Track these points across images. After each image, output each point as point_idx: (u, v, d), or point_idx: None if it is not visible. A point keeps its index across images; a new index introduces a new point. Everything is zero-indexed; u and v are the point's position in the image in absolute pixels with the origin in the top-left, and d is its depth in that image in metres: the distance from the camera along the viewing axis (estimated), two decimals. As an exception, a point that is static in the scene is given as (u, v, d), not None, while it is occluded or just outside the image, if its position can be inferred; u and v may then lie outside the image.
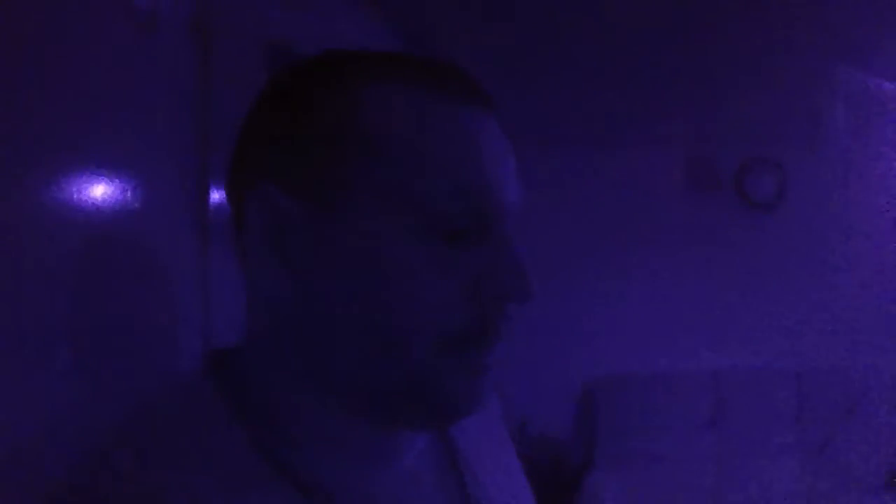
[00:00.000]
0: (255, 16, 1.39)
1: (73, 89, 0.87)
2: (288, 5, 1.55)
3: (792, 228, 3.50)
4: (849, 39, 2.52)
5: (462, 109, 0.50)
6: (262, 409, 0.53)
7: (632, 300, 3.48)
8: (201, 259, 1.10)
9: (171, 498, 0.47)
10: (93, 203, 0.89)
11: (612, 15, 2.26)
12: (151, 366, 0.99)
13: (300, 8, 1.59)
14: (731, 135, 3.46)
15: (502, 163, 0.51)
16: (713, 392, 3.43)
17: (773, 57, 2.62)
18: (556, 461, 3.19)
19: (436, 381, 0.50)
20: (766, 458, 3.28)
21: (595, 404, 3.46)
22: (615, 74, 2.77)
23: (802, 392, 3.42)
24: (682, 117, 3.25)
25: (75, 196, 0.87)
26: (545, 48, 2.53)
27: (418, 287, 0.49)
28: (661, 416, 3.38)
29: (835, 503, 3.10)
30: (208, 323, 1.09)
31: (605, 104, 3.02)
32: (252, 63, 1.33)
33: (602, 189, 3.54)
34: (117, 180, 0.94)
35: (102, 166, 0.92)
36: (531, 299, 0.50)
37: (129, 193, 0.96)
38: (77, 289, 0.87)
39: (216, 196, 1.13)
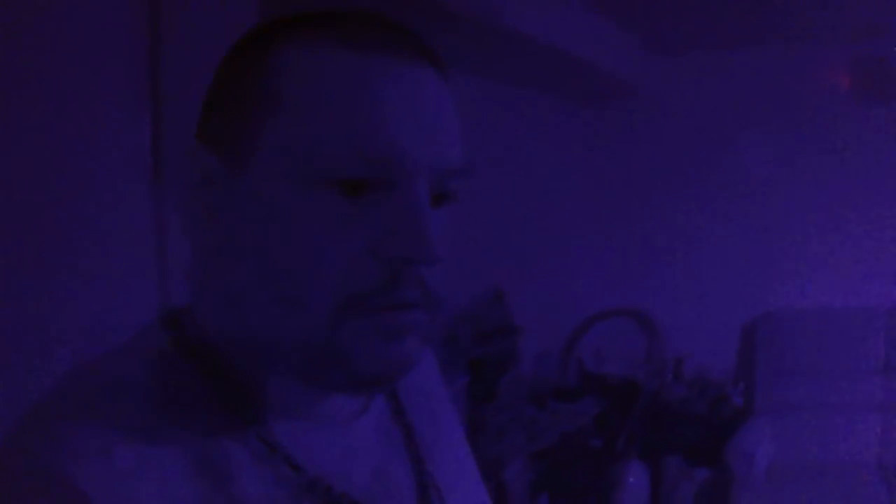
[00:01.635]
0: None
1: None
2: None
3: None
4: None
5: (372, 63, 0.50)
6: (208, 362, 0.54)
7: (795, 227, 3.20)
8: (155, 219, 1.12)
9: (129, 432, 0.48)
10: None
11: None
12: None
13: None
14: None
15: (414, 117, 0.50)
16: (888, 333, 3.07)
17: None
18: (712, 404, 3.07)
19: (344, 343, 0.50)
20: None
21: (757, 343, 3.24)
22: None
23: None
24: (848, 7, 2.77)
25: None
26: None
27: (315, 241, 0.49)
28: (828, 357, 3.09)
29: None
30: (164, 288, 1.11)
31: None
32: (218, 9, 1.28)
33: (752, 95, 3.18)
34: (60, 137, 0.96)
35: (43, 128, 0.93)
36: (426, 261, 0.49)
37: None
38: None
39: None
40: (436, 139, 0.51)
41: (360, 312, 0.50)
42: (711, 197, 3.32)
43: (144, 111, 1.13)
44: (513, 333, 2.40)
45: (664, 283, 3.33)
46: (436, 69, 0.54)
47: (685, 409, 3.26)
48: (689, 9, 2.70)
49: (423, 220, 0.49)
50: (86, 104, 1.02)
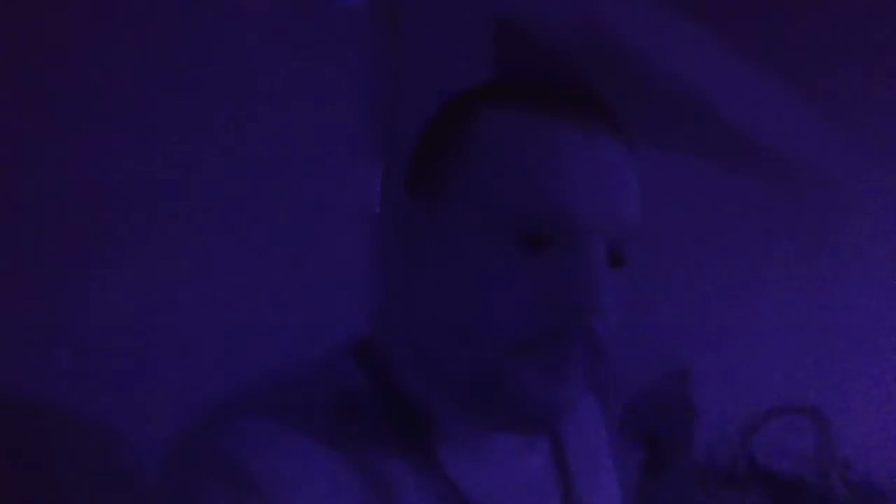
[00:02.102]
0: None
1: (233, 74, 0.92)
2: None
3: None
4: None
5: (561, 129, 0.53)
6: (388, 388, 0.56)
7: None
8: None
9: (309, 441, 0.50)
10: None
11: None
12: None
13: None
14: None
15: (592, 180, 0.52)
16: None
17: None
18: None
19: (510, 382, 0.51)
20: None
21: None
22: None
23: None
24: None
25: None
26: None
27: (494, 289, 0.51)
28: None
29: None
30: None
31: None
32: (457, 43, 1.31)
33: None
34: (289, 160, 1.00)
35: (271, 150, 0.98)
36: (595, 312, 0.50)
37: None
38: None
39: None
40: (614, 202, 0.53)
41: (527, 356, 0.51)
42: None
43: (376, 159, 1.20)
44: (692, 414, 2.39)
45: (843, 380, 3.19)
46: (619, 137, 0.57)
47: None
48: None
49: (596, 273, 0.51)
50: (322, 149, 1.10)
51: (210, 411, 0.52)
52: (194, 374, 0.52)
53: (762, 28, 2.06)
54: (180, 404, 0.68)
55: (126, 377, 0.87)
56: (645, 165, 2.14)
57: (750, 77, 2.32)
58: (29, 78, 0.81)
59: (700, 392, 2.58)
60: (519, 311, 0.51)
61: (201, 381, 0.87)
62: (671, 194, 2.56)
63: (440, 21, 1.28)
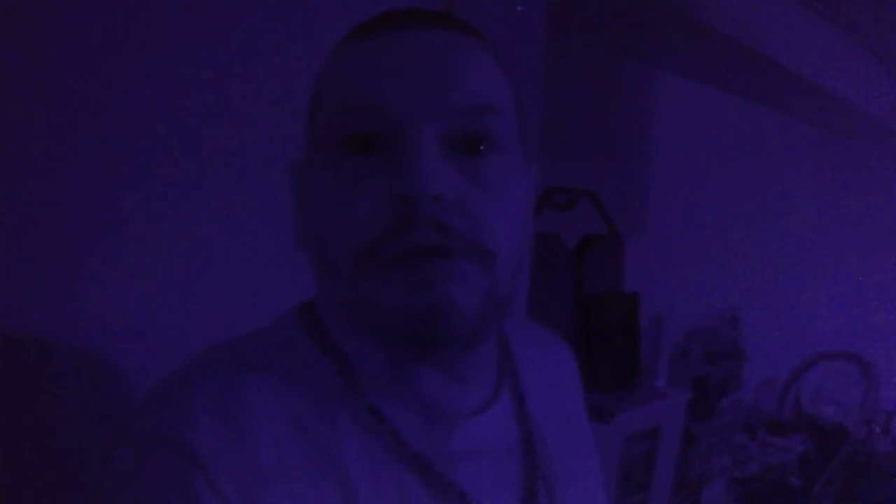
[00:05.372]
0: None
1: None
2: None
3: None
4: None
5: (368, 34, 0.52)
6: (326, 342, 0.56)
7: None
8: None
9: (261, 401, 0.50)
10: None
11: None
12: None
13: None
14: None
15: (403, 70, 0.50)
16: None
17: None
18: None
19: (369, 295, 0.49)
20: None
21: None
22: None
23: None
24: None
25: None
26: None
27: (335, 202, 0.51)
28: None
29: None
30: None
31: None
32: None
33: None
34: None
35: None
36: (426, 198, 0.47)
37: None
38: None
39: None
40: (436, 89, 0.50)
41: (380, 263, 0.49)
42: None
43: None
44: (741, 358, 2.41)
45: (892, 332, 3.18)
46: (439, 27, 0.53)
47: (888, 465, 3.10)
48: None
49: (420, 160, 0.48)
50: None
51: (154, 388, 0.51)
52: None
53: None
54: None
55: (126, 377, 0.87)
56: (697, 107, 2.14)
57: (807, 21, 2.28)
58: (29, 78, 0.80)
59: (749, 337, 2.59)
60: (358, 215, 0.49)
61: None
62: (725, 139, 2.54)
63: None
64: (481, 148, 0.51)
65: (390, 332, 0.50)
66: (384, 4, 0.60)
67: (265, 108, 1.00)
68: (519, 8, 1.31)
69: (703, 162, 2.40)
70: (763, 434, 2.59)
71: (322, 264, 0.54)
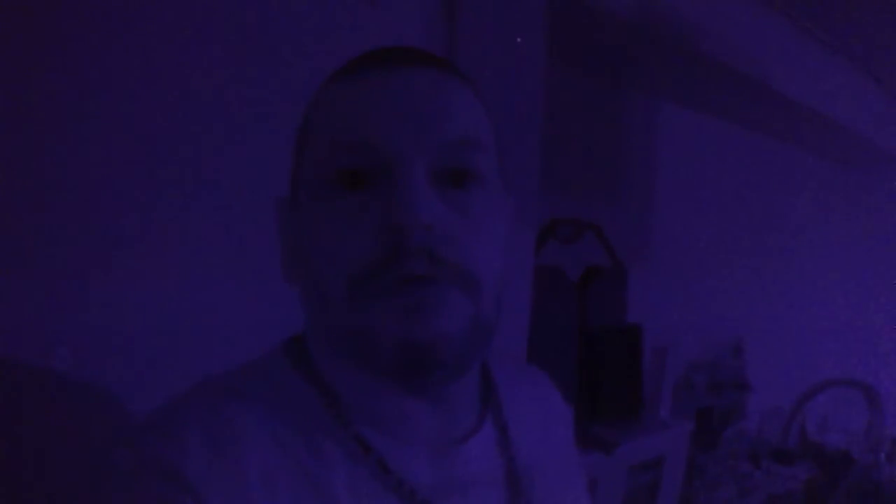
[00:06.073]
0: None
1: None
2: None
3: None
4: None
5: (360, 72, 0.53)
6: (315, 376, 0.57)
7: None
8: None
9: (251, 431, 0.51)
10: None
11: None
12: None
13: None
14: None
15: (394, 106, 0.51)
16: None
17: None
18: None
19: (363, 324, 0.50)
20: None
21: None
22: None
23: None
24: None
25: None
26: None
27: (327, 236, 0.51)
28: None
29: None
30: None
31: None
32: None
33: None
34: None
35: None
36: (416, 227, 0.48)
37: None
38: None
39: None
40: (425, 124, 0.51)
41: (374, 292, 0.50)
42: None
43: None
44: (745, 388, 2.40)
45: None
46: (429, 65, 0.55)
47: (893, 492, 3.08)
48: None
49: (410, 191, 0.49)
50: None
51: (148, 417, 0.52)
52: (195, 374, 0.53)
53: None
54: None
55: (126, 377, 0.87)
56: (700, 137, 2.14)
57: (810, 50, 2.29)
58: (29, 78, 0.80)
59: (753, 366, 2.58)
60: (350, 246, 0.50)
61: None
62: (726, 167, 2.55)
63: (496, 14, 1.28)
64: (466, 181, 0.53)
65: (381, 359, 0.51)
66: (384, 33, 0.60)
67: (265, 109, 1.01)
68: (519, 40, 1.32)
69: (706, 192, 2.41)
70: (768, 463, 2.58)
71: (313, 296, 0.55)
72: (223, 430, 0.51)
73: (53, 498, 0.77)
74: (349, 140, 0.52)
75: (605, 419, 1.68)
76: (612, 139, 2.09)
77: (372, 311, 0.50)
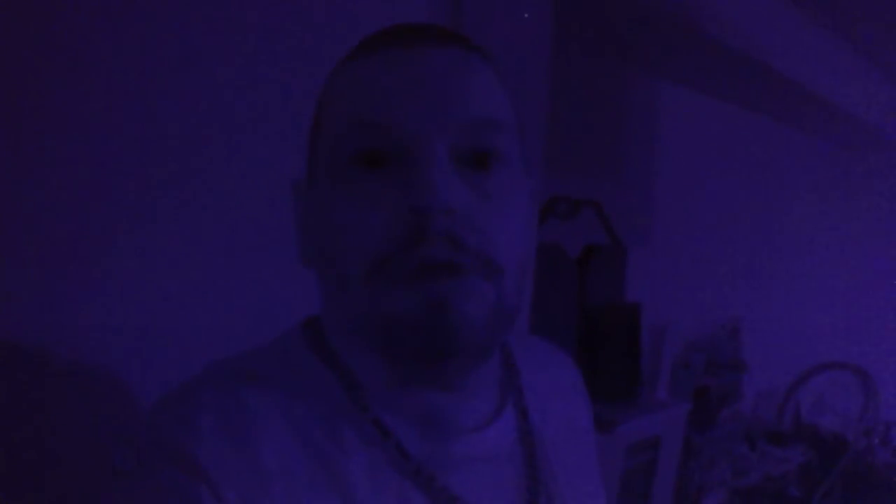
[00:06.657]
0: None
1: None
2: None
3: None
4: None
5: (376, 51, 0.52)
6: (332, 358, 0.56)
7: None
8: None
9: (267, 414, 0.50)
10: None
11: None
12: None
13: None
14: None
15: (412, 86, 0.50)
16: None
17: None
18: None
19: (384, 310, 0.49)
20: None
21: None
22: None
23: None
24: None
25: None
26: None
27: (346, 219, 0.50)
28: None
29: None
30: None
31: None
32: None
33: None
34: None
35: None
36: (436, 210, 0.47)
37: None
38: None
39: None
40: (445, 104, 0.50)
41: (394, 277, 0.49)
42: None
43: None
44: (741, 369, 2.41)
45: (891, 342, 3.18)
46: (447, 44, 0.53)
47: (887, 476, 3.10)
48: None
49: (430, 172, 0.48)
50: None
51: (159, 401, 0.52)
52: (196, 372, 0.54)
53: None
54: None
55: (126, 377, 0.86)
56: (701, 118, 2.14)
57: (811, 32, 2.28)
58: (29, 78, 0.80)
59: (750, 347, 2.59)
60: (370, 228, 0.49)
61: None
62: (727, 148, 2.55)
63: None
64: (488, 163, 0.52)
65: (401, 345, 0.50)
66: (388, 11, 0.59)
67: (266, 111, 1.00)
68: (526, 15, 1.31)
69: (707, 172, 2.41)
70: (763, 444, 2.59)
71: (331, 279, 0.54)
72: (238, 413, 0.50)
73: (54, 498, 0.77)
74: (368, 119, 0.50)
75: (604, 398, 1.68)
76: (615, 118, 2.08)
77: (393, 297, 0.49)
